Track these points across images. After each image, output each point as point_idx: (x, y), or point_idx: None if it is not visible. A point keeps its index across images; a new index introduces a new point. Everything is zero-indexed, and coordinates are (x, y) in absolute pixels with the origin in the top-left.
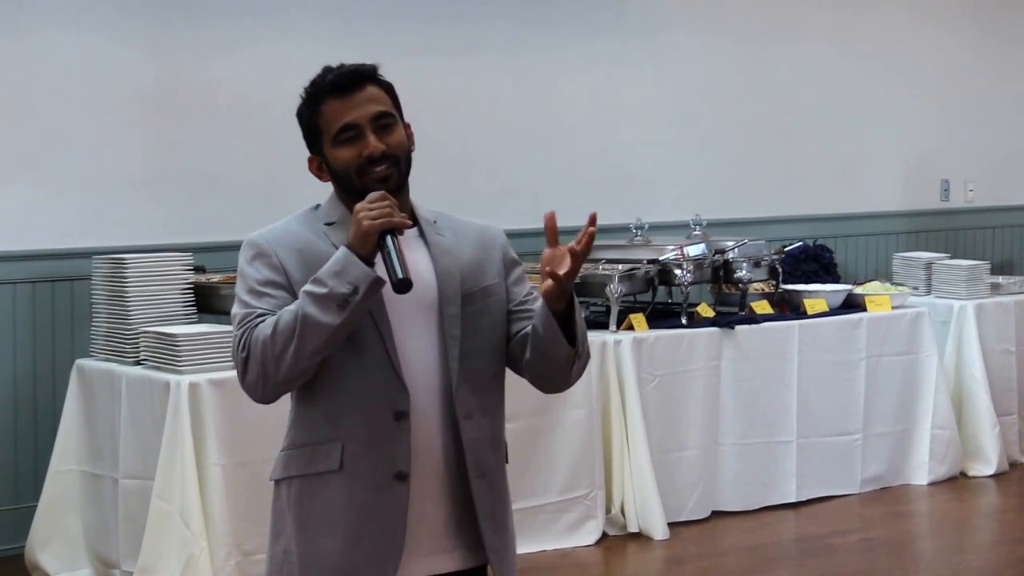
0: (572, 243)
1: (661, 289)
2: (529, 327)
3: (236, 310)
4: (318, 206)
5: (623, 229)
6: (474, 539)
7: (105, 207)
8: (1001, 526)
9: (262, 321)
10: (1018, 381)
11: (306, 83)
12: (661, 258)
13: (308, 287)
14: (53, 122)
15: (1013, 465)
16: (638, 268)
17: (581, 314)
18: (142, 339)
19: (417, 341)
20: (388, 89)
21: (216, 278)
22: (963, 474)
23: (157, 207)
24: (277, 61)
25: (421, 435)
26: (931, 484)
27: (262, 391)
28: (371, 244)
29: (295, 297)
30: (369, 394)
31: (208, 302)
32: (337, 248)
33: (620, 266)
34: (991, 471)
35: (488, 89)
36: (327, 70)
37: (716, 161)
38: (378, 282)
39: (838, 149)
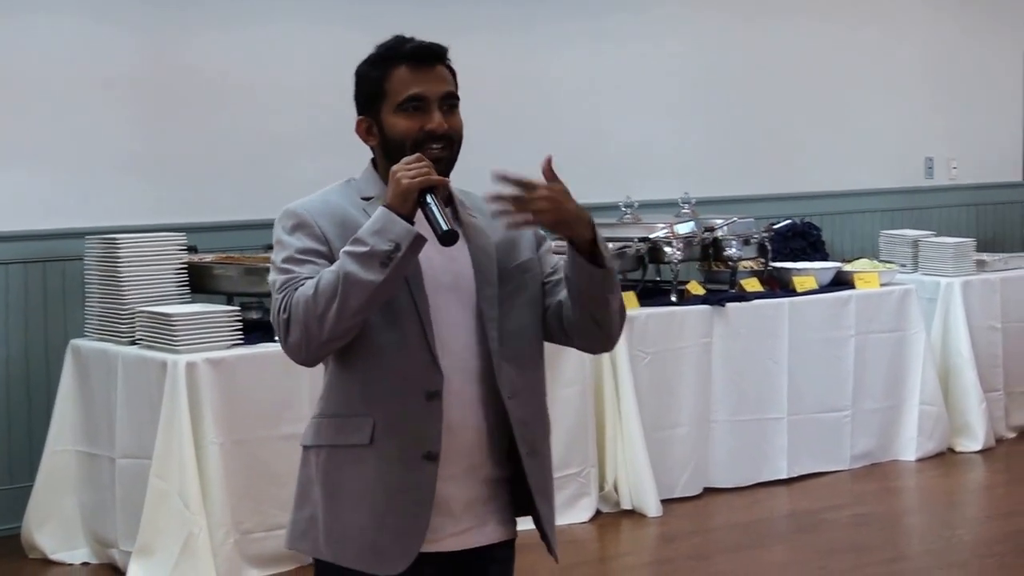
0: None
1: (650, 267)
2: (562, 295)
3: (275, 276)
4: (351, 180)
5: (612, 207)
6: (502, 516)
7: (96, 187)
8: (990, 501)
9: (303, 284)
10: (1004, 357)
11: (377, 46)
12: (651, 236)
13: (348, 247)
14: (43, 102)
15: (999, 441)
16: (629, 246)
17: (604, 242)
18: (137, 319)
19: (454, 322)
20: (455, 75)
21: (209, 258)
22: (951, 450)
23: (148, 187)
24: (268, 41)
25: (455, 416)
26: (919, 460)
27: (305, 352)
28: (411, 202)
29: None
30: (403, 372)
31: (201, 282)
32: None
33: (610, 244)
34: (978, 447)
35: (476, 67)
36: (403, 38)
37: (703, 139)
38: (420, 239)
39: (823, 127)
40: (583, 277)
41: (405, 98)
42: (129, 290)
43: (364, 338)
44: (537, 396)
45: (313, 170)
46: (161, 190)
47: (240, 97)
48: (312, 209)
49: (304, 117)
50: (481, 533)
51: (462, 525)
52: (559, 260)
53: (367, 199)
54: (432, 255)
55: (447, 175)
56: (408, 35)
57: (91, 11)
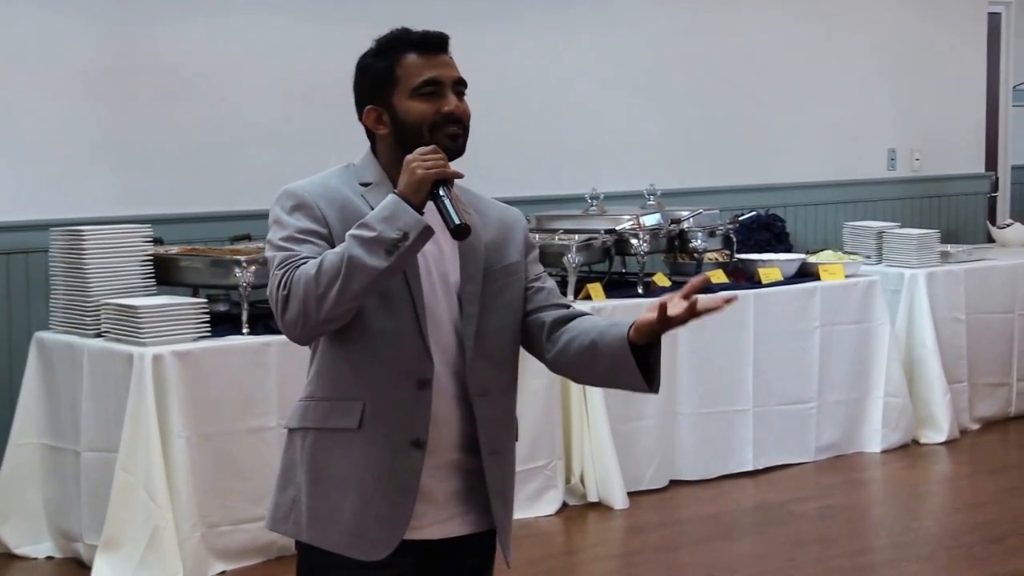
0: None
1: (616, 259)
2: (546, 314)
3: (273, 253)
4: (349, 165)
5: (578, 199)
6: (483, 506)
7: (61, 179)
8: (955, 492)
9: (305, 263)
10: (968, 349)
11: (377, 39)
12: (618, 228)
13: (355, 231)
14: (5, 93)
15: (963, 432)
16: (595, 238)
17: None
18: (103, 311)
19: (441, 315)
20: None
21: (174, 250)
22: (915, 441)
23: (113, 179)
24: (234, 31)
25: (440, 406)
26: (884, 451)
27: (301, 330)
28: (424, 193)
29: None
30: (396, 359)
31: (167, 274)
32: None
33: (577, 236)
34: (942, 438)
35: None
36: (406, 29)
37: (668, 131)
38: (428, 230)
39: (787, 119)
40: (621, 379)
41: (421, 82)
42: (94, 282)
43: (359, 323)
44: (507, 397)
45: (279, 162)
46: (126, 182)
47: (206, 88)
48: (312, 191)
49: (270, 108)
50: (463, 522)
51: (444, 514)
52: (543, 270)
53: (365, 184)
54: (425, 247)
55: (456, 159)
56: (374, 28)
57: (55, 1)
